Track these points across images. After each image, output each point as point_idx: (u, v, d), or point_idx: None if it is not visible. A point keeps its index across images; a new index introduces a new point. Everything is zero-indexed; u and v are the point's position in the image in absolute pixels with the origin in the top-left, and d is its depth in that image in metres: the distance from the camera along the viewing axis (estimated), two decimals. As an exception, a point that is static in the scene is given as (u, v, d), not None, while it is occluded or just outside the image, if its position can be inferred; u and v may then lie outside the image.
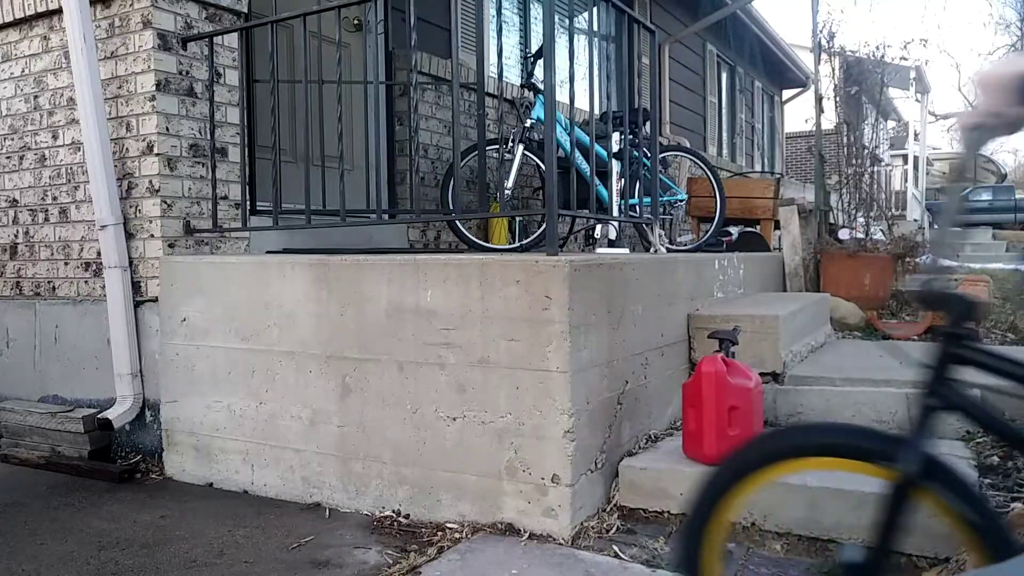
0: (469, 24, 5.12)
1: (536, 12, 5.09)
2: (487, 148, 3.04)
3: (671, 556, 1.44)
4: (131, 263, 3.09)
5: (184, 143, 3.09)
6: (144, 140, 3.04)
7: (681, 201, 4.87)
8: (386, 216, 4.05)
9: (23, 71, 3.46)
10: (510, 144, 3.90)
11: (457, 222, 4.08)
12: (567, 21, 2.85)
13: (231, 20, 3.28)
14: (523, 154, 3.93)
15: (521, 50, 5.03)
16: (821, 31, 6.07)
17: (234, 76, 3.25)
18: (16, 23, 3.45)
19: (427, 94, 4.55)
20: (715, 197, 4.72)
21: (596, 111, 3.44)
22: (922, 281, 1.18)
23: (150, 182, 3.02)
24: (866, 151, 5.96)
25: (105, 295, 3.08)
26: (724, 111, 10.37)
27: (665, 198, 4.46)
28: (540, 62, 3.81)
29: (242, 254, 3.28)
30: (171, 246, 3.05)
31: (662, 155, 4.84)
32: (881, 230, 5.65)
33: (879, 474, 1.16)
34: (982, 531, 1.12)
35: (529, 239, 4.20)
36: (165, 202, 3.02)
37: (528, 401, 2.26)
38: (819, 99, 5.98)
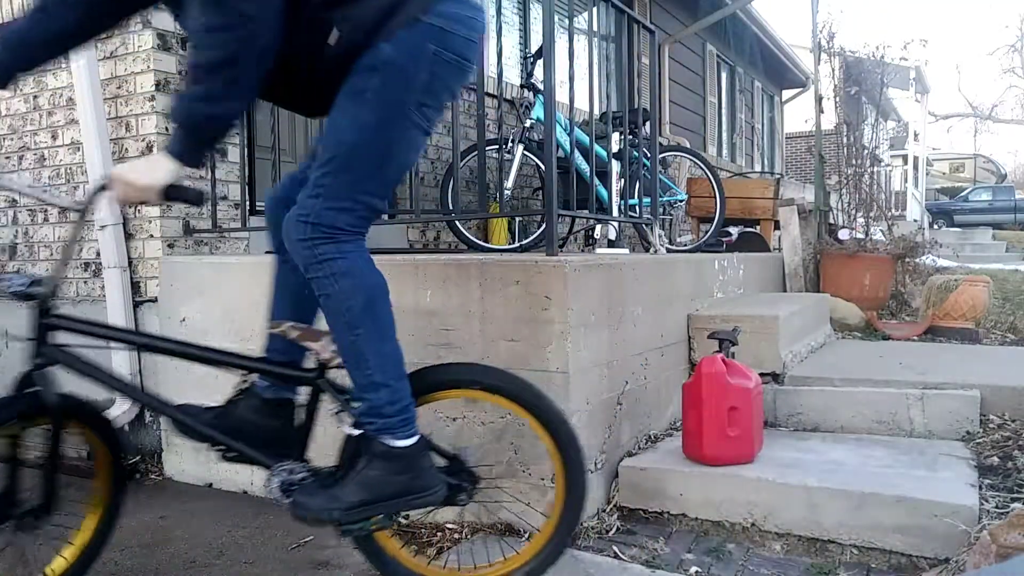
0: (469, 24, 5.11)
1: (536, 12, 5.08)
2: (487, 148, 3.04)
3: None
4: (130, 263, 3.08)
5: (184, 143, 3.08)
6: (144, 140, 3.04)
7: (681, 201, 4.87)
8: (385, 216, 4.04)
9: (22, 71, 3.46)
10: (510, 144, 3.89)
11: (457, 222, 4.08)
12: (567, 21, 2.85)
13: (231, 20, 3.28)
14: (523, 154, 3.93)
15: (521, 50, 5.03)
16: (821, 31, 6.07)
17: (234, 76, 3.24)
18: (15, 23, 3.44)
19: (427, 94, 4.54)
20: (715, 197, 4.72)
21: (596, 111, 3.44)
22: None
23: (150, 182, 3.01)
24: (866, 151, 5.95)
25: (104, 295, 3.08)
26: (724, 111, 10.38)
27: (665, 198, 4.46)
28: (540, 62, 3.81)
29: (241, 254, 3.28)
30: (170, 246, 3.05)
31: (662, 155, 4.85)
32: (881, 230, 5.64)
33: None
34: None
35: (529, 239, 4.20)
36: (165, 202, 3.02)
37: (528, 401, 2.25)
38: (819, 99, 5.98)
